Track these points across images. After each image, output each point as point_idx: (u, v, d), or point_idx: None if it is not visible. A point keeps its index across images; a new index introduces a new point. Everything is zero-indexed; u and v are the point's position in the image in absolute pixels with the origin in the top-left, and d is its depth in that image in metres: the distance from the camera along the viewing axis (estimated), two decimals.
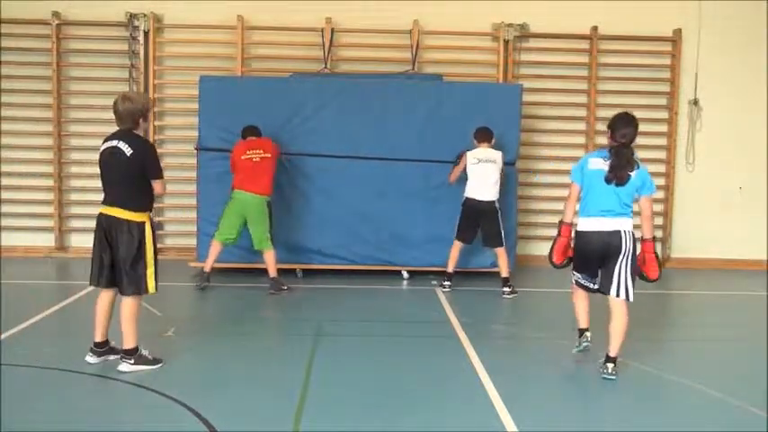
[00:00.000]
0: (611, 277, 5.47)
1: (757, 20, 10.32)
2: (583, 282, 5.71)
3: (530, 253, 10.32)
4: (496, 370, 5.54)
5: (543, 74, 10.35)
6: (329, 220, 9.02)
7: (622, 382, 5.50)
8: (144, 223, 5.32)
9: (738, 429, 4.65)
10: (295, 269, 9.03)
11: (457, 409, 4.85)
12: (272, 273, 8.16)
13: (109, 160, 5.30)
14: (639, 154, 10.11)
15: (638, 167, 5.49)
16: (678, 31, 10.35)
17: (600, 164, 5.50)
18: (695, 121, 10.49)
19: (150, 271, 5.33)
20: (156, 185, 5.39)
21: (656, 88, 10.49)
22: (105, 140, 5.37)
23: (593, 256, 5.53)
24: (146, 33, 10.03)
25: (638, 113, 10.16)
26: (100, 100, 9.69)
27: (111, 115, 5.44)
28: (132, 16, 9.96)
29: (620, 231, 5.43)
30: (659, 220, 10.59)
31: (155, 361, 5.45)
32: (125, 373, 5.29)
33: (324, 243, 9.05)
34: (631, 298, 5.49)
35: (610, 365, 5.48)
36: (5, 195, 10.17)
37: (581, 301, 5.83)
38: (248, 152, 8.13)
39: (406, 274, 9.10)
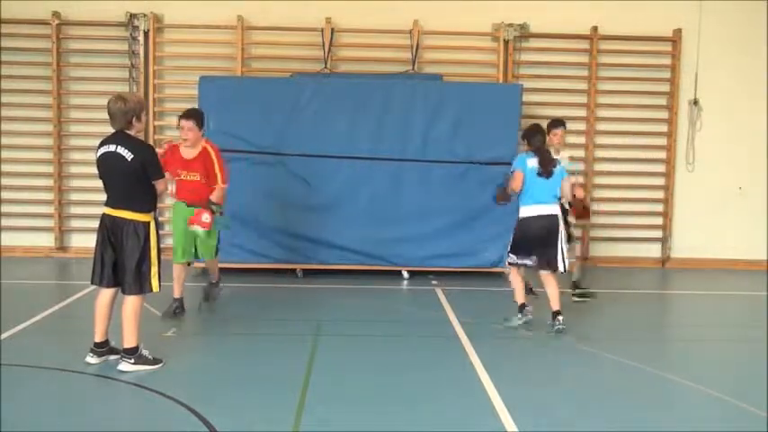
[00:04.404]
0: (556, 255, 6.48)
1: (757, 20, 10.31)
2: (519, 261, 6.61)
3: None
4: (496, 369, 5.54)
5: (543, 74, 10.34)
6: (329, 220, 9.02)
7: (622, 382, 5.52)
8: (149, 223, 5.35)
9: (738, 429, 4.65)
10: (295, 269, 9.04)
11: (457, 409, 4.85)
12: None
13: (108, 165, 5.28)
14: (639, 154, 10.40)
15: (559, 163, 6.65)
16: (678, 31, 10.34)
17: (534, 162, 6.54)
18: (695, 121, 10.48)
19: (154, 270, 5.37)
20: (159, 185, 5.39)
21: (656, 88, 10.48)
22: (101, 144, 5.34)
23: (533, 238, 6.51)
24: (146, 33, 10.03)
25: (637, 113, 10.40)
26: (100, 100, 9.51)
27: None
28: (132, 16, 9.96)
29: (556, 215, 6.52)
30: (659, 220, 10.59)
31: (155, 361, 5.45)
32: (125, 372, 5.29)
33: (324, 243, 9.05)
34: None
35: (561, 317, 6.55)
36: (5, 195, 10.17)
37: (520, 280, 6.81)
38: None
39: (406, 274, 9.10)
